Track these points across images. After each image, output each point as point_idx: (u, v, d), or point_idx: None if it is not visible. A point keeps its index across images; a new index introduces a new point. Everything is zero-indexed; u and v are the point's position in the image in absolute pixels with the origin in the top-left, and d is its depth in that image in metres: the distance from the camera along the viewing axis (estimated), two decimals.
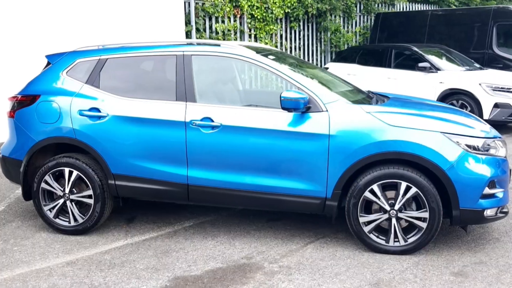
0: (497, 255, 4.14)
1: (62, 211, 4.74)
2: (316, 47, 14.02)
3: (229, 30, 11.74)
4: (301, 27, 13.44)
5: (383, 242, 4.14)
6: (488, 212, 4.07)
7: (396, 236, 4.11)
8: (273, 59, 4.47)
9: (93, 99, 4.57)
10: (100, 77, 4.64)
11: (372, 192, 4.08)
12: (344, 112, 4.14)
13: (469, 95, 9.64)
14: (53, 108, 4.62)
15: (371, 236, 4.16)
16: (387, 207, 4.09)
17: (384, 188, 4.09)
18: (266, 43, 12.51)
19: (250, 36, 12.23)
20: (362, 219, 4.14)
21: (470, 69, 10.55)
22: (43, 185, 4.68)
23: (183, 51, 4.50)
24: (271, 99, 4.47)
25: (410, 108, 4.53)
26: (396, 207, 4.07)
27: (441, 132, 4.00)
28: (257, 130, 4.21)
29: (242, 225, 4.87)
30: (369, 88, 11.38)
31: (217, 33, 11.51)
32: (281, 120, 4.18)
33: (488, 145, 4.12)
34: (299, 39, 13.50)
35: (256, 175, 4.27)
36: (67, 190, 4.66)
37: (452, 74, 10.19)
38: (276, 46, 12.88)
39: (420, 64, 10.38)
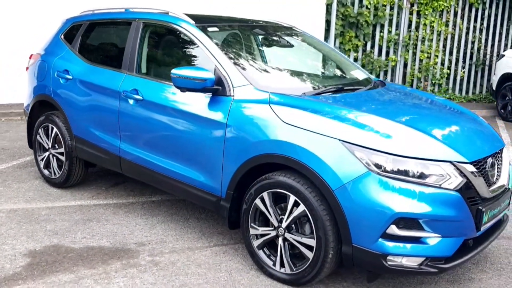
0: None
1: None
2: (507, 29, 11.64)
3: (383, 5, 10.57)
4: (486, 5, 11.28)
5: (270, 263, 3.37)
6: (403, 261, 2.93)
7: (282, 260, 3.29)
8: (212, 32, 3.92)
9: (68, 61, 4.73)
10: (79, 41, 4.77)
11: (262, 200, 3.33)
12: (247, 100, 3.42)
13: None
14: (43, 68, 4.95)
15: (260, 253, 3.41)
16: (275, 223, 3.29)
17: (280, 199, 3.30)
18: (432, 22, 10.92)
19: (411, 13, 10.81)
20: (252, 231, 3.43)
21: None
22: (38, 137, 5.10)
23: (137, 19, 4.29)
24: None
25: (353, 104, 3.47)
26: (284, 224, 3.24)
27: (339, 140, 2.99)
28: (168, 109, 3.80)
29: (195, 210, 4.52)
30: None
31: (366, 7, 10.49)
32: (193, 101, 3.67)
33: (426, 169, 2.92)
34: (482, 18, 11.38)
35: (165, 157, 3.90)
36: (50, 145, 4.99)
37: None
38: (447, 26, 11.14)
39: None
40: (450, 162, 2.97)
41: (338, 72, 4.36)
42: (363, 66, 10.67)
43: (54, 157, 4.97)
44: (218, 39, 3.90)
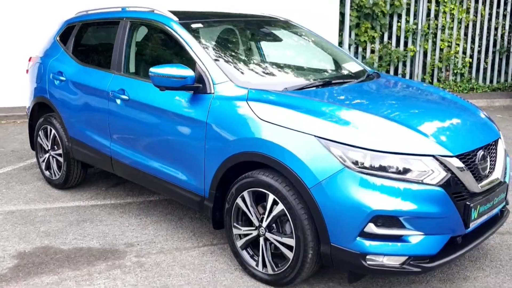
0: None
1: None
2: None
3: None
4: None
5: (253, 264, 3.28)
6: (384, 260, 2.80)
7: (264, 260, 3.21)
8: (196, 28, 3.84)
9: (62, 62, 4.74)
10: (73, 42, 4.77)
11: (243, 200, 3.24)
12: (226, 97, 3.34)
13: None
14: (40, 70, 4.98)
15: (244, 253, 3.33)
16: (256, 222, 3.20)
17: (261, 198, 3.21)
18: (452, 9, 10.57)
19: (430, 1, 10.49)
20: (235, 231, 3.35)
21: None
22: (38, 139, 5.15)
23: (124, 18, 4.26)
24: None
25: (336, 99, 3.34)
26: (264, 224, 3.16)
27: (315, 136, 2.87)
28: (152, 108, 3.75)
29: (190, 210, 4.47)
30: None
31: None
32: (174, 99, 3.61)
33: (407, 164, 2.78)
34: (505, 3, 10.95)
35: (152, 157, 3.86)
36: (49, 146, 5.03)
37: None
38: (468, 13, 10.77)
39: None
40: (433, 156, 2.82)
41: (330, 65, 4.22)
42: (380, 57, 10.43)
43: (54, 159, 5.00)
44: (201, 36, 3.82)
